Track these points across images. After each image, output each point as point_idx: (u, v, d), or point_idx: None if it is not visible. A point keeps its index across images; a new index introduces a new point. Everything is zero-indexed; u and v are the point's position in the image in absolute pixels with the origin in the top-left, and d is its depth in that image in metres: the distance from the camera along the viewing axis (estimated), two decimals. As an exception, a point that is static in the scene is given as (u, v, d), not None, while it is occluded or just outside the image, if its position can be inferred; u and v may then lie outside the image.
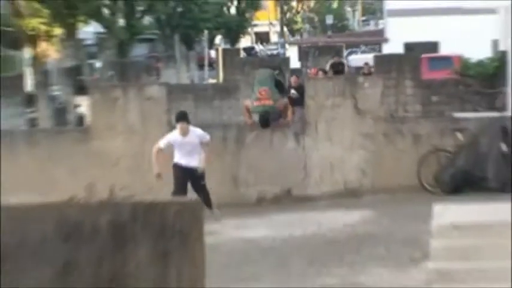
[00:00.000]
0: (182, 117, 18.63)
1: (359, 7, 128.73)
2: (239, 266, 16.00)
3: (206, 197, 19.16)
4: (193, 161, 19.12)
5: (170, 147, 19.10)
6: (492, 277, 14.44)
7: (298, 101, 27.03)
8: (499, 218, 16.20)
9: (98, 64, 57.86)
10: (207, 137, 19.16)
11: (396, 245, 17.42)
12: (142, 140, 20.24)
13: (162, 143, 18.56)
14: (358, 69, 47.36)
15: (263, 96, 23.45)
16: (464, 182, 21.39)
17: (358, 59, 58.63)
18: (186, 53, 73.38)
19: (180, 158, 18.51)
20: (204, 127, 24.03)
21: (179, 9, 68.70)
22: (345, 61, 57.81)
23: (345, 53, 65.74)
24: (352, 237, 18.97)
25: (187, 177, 19.60)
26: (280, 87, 25.11)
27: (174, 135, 18.41)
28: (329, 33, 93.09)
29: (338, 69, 48.09)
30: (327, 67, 52.09)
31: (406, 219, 18.68)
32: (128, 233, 6.47)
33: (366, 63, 48.92)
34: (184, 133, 18.30)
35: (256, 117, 23.75)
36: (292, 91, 29.85)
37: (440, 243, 15.56)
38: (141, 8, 59.63)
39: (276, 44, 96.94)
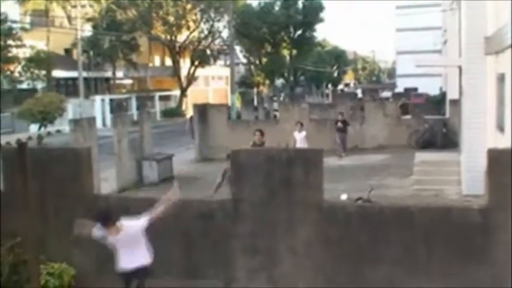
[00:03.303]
0: (102, 218, 5.72)
1: (385, 72, 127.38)
2: (335, 175, 15.57)
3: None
4: (138, 259, 5.83)
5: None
6: (442, 182, 13.78)
7: (341, 130, 20.84)
8: (443, 158, 15.48)
9: (282, 94, 57.77)
10: (146, 217, 5.77)
11: (400, 168, 16.76)
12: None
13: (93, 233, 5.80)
14: (385, 98, 45.55)
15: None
16: (427, 144, 20.31)
17: (385, 94, 57.42)
18: (316, 90, 75.88)
19: (121, 260, 5.85)
20: (323, 119, 23.49)
21: (314, 74, 68.59)
22: (389, 94, 53.81)
23: (380, 91, 63.47)
24: (381, 165, 18.38)
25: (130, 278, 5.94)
26: None
27: (103, 233, 5.78)
28: (374, 83, 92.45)
29: (385, 98, 43.84)
30: (379, 95, 49.89)
31: (404, 158, 17.88)
32: (309, 162, 6.16)
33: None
34: (116, 232, 5.66)
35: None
36: (339, 124, 20.94)
37: (417, 168, 14.93)
38: (299, 73, 59.76)
39: (352, 87, 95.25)
